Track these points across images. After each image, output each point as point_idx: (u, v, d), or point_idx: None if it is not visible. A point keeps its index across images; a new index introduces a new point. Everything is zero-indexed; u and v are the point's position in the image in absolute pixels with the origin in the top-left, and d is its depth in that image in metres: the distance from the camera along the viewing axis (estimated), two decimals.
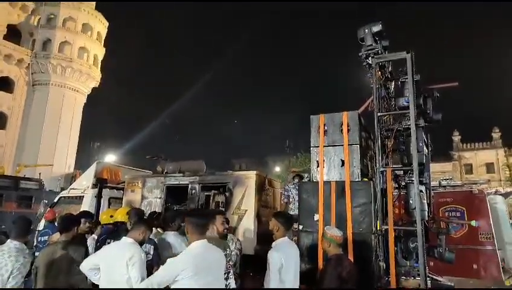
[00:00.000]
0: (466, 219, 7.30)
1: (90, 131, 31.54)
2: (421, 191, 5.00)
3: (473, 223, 6.21)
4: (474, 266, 7.17)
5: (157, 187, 7.37)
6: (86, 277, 3.26)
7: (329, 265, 3.60)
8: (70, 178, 21.44)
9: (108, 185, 8.22)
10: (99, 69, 31.23)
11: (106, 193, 8.07)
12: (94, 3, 31.73)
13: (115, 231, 4.62)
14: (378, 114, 5.29)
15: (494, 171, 42.66)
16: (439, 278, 5.92)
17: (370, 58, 5.40)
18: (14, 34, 28.52)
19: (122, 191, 7.95)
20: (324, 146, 5.30)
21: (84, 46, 29.50)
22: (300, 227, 5.14)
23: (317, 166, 5.31)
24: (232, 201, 6.49)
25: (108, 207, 7.80)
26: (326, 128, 5.34)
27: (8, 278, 3.05)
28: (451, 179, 10.14)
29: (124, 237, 3.24)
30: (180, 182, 7.18)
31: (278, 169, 27.76)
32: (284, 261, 3.33)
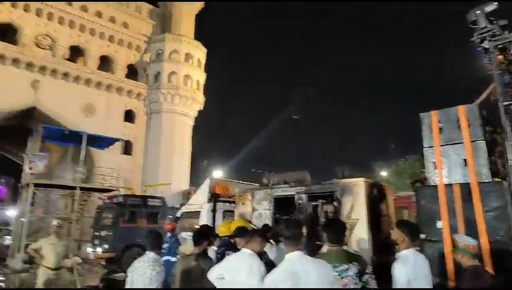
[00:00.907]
0: None
1: (199, 150, 34.37)
2: None
3: None
4: None
5: (265, 199, 7.61)
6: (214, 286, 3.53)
7: (466, 279, 3.21)
8: (186, 194, 23.60)
9: (221, 199, 8.80)
10: (202, 92, 34.01)
11: (220, 206, 8.66)
12: (193, 33, 34.96)
13: (233, 243, 4.90)
14: (504, 103, 4.63)
15: None
16: None
17: (486, 41, 4.78)
18: (132, 72, 33.15)
19: (234, 205, 8.43)
20: (440, 145, 4.83)
21: (187, 74, 32.57)
22: (423, 236, 4.74)
23: (435, 168, 4.86)
24: (342, 210, 6.33)
25: (223, 220, 8.34)
26: (440, 125, 4.87)
27: (148, 285, 3.52)
28: None
29: (243, 248, 3.41)
30: (287, 193, 7.29)
31: (384, 174, 26.09)
32: (411, 276, 3.01)
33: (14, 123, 28.98)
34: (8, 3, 26.60)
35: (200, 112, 34.46)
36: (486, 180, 4.45)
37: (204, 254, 3.97)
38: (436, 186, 4.77)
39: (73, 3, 29.91)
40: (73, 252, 11.70)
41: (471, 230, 4.25)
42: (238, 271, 3.18)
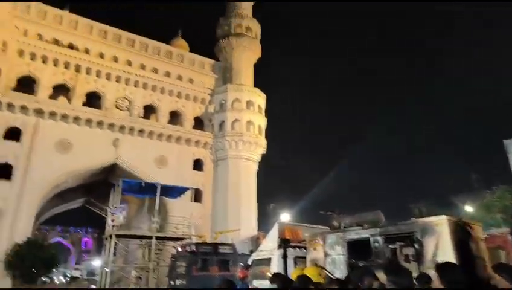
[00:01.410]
0: None
1: (265, 194, 34.44)
2: None
3: None
4: None
5: (337, 243, 7.27)
6: None
7: None
8: (255, 240, 23.46)
9: (291, 244, 8.58)
10: (264, 136, 34.79)
11: (291, 252, 8.42)
12: (252, 81, 36.65)
13: None
14: None
15: None
16: None
17: None
18: (198, 123, 35.31)
19: (305, 250, 8.14)
20: None
21: (249, 120, 33.76)
22: None
23: None
24: (424, 253, 5.77)
25: (295, 266, 8.06)
26: None
27: None
28: None
29: None
30: (361, 236, 6.89)
31: (469, 209, 23.36)
32: None
33: (98, 179, 32.03)
34: (94, 76, 30.50)
35: (263, 155, 35.07)
36: None
37: None
38: None
39: (146, 66, 33.38)
40: None
41: None
42: None
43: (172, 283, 13.68)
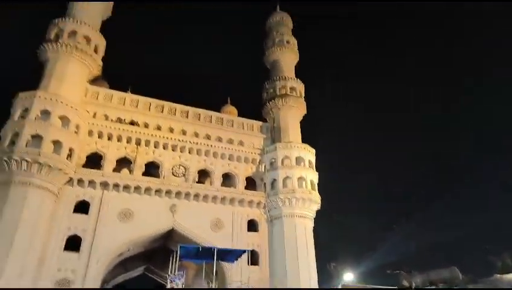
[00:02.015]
0: None
1: (325, 252, 32.83)
2: None
3: None
4: None
5: None
6: None
7: None
8: None
9: None
10: (317, 191, 34.08)
11: None
12: (300, 138, 37.07)
13: None
14: None
15: None
16: None
17: None
18: (250, 183, 35.71)
19: None
20: None
21: (301, 176, 33.53)
22: None
23: None
24: None
25: None
26: None
27: None
28: None
29: None
30: None
31: None
32: None
33: (157, 246, 32.78)
34: (152, 147, 32.78)
35: (319, 211, 34.06)
36: None
37: None
38: None
39: (199, 133, 35.33)
40: None
41: None
42: None
43: None
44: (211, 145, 34.96)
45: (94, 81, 34.77)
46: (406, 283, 7.23)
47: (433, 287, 6.21)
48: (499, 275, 5.51)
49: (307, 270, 29.85)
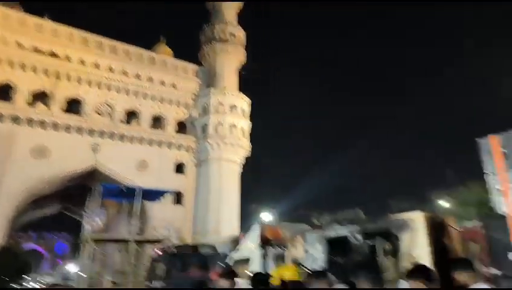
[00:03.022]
0: None
1: (248, 195, 34.43)
2: None
3: None
4: None
5: (318, 241, 7.34)
6: None
7: None
8: (237, 240, 23.34)
9: (272, 243, 8.60)
10: (248, 139, 34.84)
11: (271, 251, 8.44)
12: (237, 86, 36.77)
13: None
14: None
15: None
16: None
17: None
18: (181, 127, 35.06)
19: (285, 249, 8.19)
20: (506, 171, 4.45)
21: (233, 123, 33.76)
22: (498, 272, 4.23)
23: (501, 196, 4.45)
24: (401, 248, 5.90)
25: (275, 265, 8.07)
26: (503, 150, 4.52)
27: None
28: None
29: None
30: (340, 234, 6.98)
31: (445, 204, 23.84)
32: None
33: (76, 184, 31.32)
34: (75, 82, 29.96)
35: (247, 158, 35.10)
36: None
37: None
38: (505, 216, 4.34)
39: (129, 72, 33.06)
40: None
41: None
42: None
43: (150, 285, 13.44)
44: (141, 86, 33.18)
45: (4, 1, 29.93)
46: (316, 222, 8.07)
47: (339, 225, 7.07)
48: (391, 215, 6.44)
49: (229, 211, 31.25)
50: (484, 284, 3.01)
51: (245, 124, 34.87)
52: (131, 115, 33.09)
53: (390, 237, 6.05)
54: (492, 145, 4.63)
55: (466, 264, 3.06)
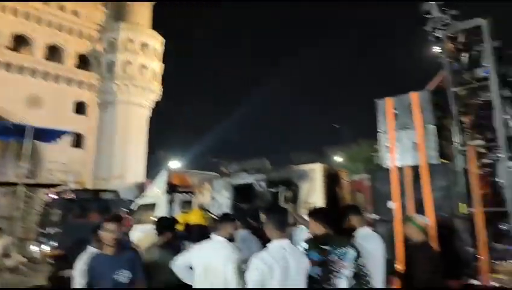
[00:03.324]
0: None
1: (156, 141, 33.49)
2: (509, 167, 4.51)
3: None
4: None
5: (224, 188, 7.52)
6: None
7: (422, 252, 3.41)
8: (142, 187, 22.86)
9: (179, 190, 8.59)
10: (160, 82, 33.04)
11: (178, 197, 8.44)
12: (150, 23, 33.79)
13: (191, 233, 4.75)
14: (453, 89, 4.88)
15: None
16: None
17: (438, 30, 5.01)
18: (84, 62, 31.41)
19: (192, 195, 8.26)
20: (394, 130, 5.00)
21: (143, 64, 31.45)
22: (377, 217, 4.90)
23: (388, 152, 5.04)
24: (299, 195, 6.40)
25: (181, 211, 8.14)
26: (395, 111, 5.04)
27: None
28: None
29: (214, 235, 3.26)
30: (246, 181, 7.25)
31: (338, 159, 26.66)
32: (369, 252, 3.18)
33: None
34: None
35: (157, 103, 33.55)
36: (435, 162, 4.67)
37: (169, 245, 3.83)
38: (388, 169, 4.94)
39: None
40: (17, 252, 10.90)
41: (420, 209, 4.46)
42: (210, 259, 3.04)
43: (44, 231, 12.52)
44: (34, 8, 28.36)
45: None
46: (224, 170, 8.27)
47: (245, 172, 7.39)
48: (294, 166, 7.00)
49: (135, 157, 30.11)
50: (367, 228, 3.47)
51: (157, 66, 32.83)
52: (20, 42, 28.43)
53: (291, 186, 6.50)
54: (387, 107, 5.11)
55: (356, 210, 3.47)
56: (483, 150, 4.99)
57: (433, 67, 5.35)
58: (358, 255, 2.77)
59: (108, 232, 2.94)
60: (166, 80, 33.84)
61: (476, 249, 4.36)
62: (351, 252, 2.74)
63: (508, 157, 4.41)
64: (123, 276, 2.92)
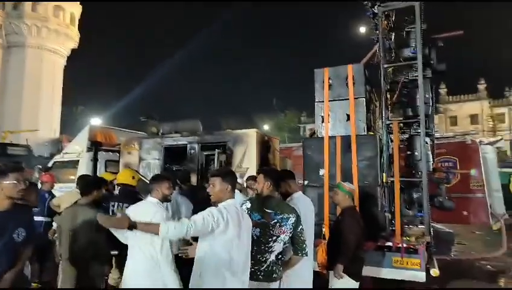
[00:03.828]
0: (458, 168, 7.51)
1: (73, 94, 30.62)
2: (426, 142, 5.02)
3: (472, 172, 6.37)
4: (465, 213, 7.47)
5: (154, 149, 7.24)
6: (106, 239, 3.28)
7: (349, 215, 3.68)
8: (57, 143, 20.98)
9: (104, 148, 8.04)
10: (77, 28, 29.64)
11: (102, 156, 7.92)
12: None
13: (135, 192, 4.56)
14: (385, 66, 5.16)
15: (478, 123, 43.60)
16: (438, 226, 6.15)
17: (376, 6, 5.17)
18: None
19: (118, 154, 7.81)
20: (329, 101, 5.18)
21: (59, 5, 27.76)
22: (306, 182, 5.15)
23: (322, 121, 5.23)
24: (233, 160, 6.43)
25: (106, 170, 7.68)
26: (331, 82, 5.20)
27: None
28: (437, 131, 10.29)
29: (149, 197, 3.20)
30: (178, 143, 7.05)
31: (266, 127, 27.56)
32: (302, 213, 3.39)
33: None
34: None
35: (74, 50, 30.25)
36: (363, 134, 4.99)
37: (95, 205, 3.68)
38: (322, 138, 5.16)
39: None
40: None
41: (348, 177, 4.79)
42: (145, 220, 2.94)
43: None
44: None
45: None
46: (154, 129, 7.86)
47: (178, 134, 7.09)
48: (229, 130, 6.95)
49: (49, 110, 27.31)
50: (300, 192, 3.65)
51: (76, 9, 29.24)
52: None
53: (226, 150, 6.49)
54: (324, 77, 5.25)
55: (292, 175, 3.61)
56: (403, 126, 5.48)
57: (370, 42, 5.58)
58: (299, 223, 2.88)
59: (10, 184, 2.56)
60: (86, 26, 30.56)
61: (392, 215, 4.89)
62: (291, 219, 2.83)
63: (425, 133, 4.89)
64: (18, 234, 2.64)
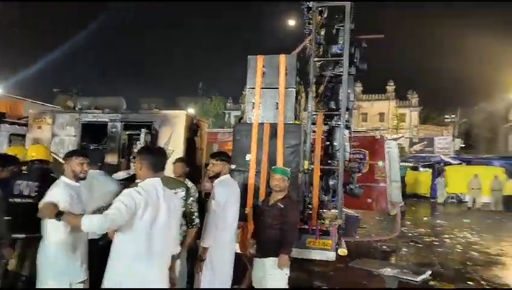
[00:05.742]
0: (368, 160, 8.35)
1: None
2: (344, 134, 5.46)
3: (380, 163, 7.12)
4: (369, 200, 8.37)
5: (70, 124, 6.66)
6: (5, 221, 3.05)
7: (292, 203, 3.67)
8: None
9: (8, 120, 7.14)
10: None
11: (5, 128, 7.03)
12: None
13: (49, 170, 4.12)
14: (315, 59, 5.44)
15: (384, 120, 48.48)
16: (348, 211, 6.77)
17: (312, 2, 5.39)
18: None
19: (25, 128, 7.01)
20: (261, 88, 5.29)
21: None
22: (233, 166, 5.23)
23: (253, 107, 5.33)
24: (158, 141, 6.23)
25: (9, 145, 6.84)
26: (264, 70, 5.30)
27: None
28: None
29: (62, 177, 2.99)
30: (99, 120, 6.59)
31: (191, 111, 27.12)
32: (228, 197, 3.60)
33: None
34: None
35: None
36: (290, 122, 5.22)
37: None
38: (251, 124, 5.28)
39: None
40: None
41: (273, 163, 4.99)
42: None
43: None
44: None
45: None
46: (71, 103, 7.13)
47: (100, 111, 6.51)
48: (156, 110, 6.65)
49: None
50: (228, 175, 3.76)
51: None
52: None
53: (151, 130, 6.25)
54: (258, 64, 5.34)
55: (227, 156, 3.80)
56: (325, 117, 5.87)
57: (302, 34, 5.82)
58: (188, 195, 3.22)
59: None
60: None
61: (310, 199, 5.24)
62: (180, 193, 3.16)
63: (345, 125, 5.31)
64: None
